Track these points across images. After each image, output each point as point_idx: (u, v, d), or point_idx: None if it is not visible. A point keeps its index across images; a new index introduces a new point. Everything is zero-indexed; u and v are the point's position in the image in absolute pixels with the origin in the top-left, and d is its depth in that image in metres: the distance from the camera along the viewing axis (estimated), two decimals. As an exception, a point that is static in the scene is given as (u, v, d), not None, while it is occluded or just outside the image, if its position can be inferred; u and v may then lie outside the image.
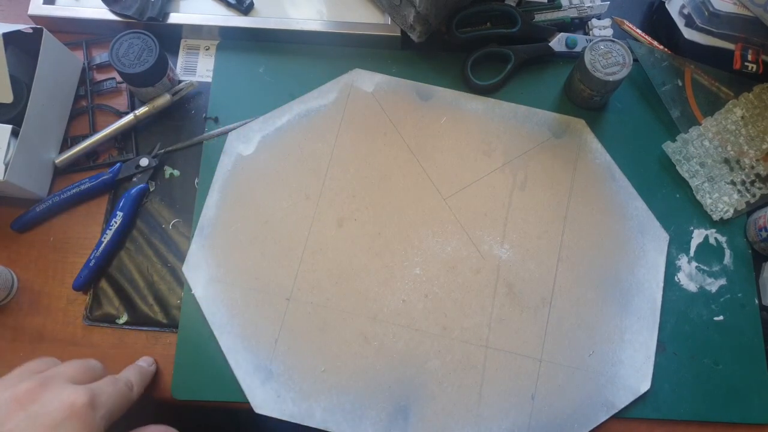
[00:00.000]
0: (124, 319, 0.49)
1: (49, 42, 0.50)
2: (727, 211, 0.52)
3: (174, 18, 0.56)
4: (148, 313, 0.49)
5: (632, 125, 0.55)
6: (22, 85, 0.49)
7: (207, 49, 0.57)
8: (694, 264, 0.51)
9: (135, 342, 0.49)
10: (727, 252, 0.52)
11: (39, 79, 0.49)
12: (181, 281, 0.50)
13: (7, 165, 0.46)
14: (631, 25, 0.58)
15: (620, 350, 0.48)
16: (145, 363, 0.46)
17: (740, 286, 0.51)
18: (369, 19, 0.56)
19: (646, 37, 0.57)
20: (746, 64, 0.54)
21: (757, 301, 0.50)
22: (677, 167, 0.53)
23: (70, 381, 0.36)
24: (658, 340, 0.48)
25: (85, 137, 0.53)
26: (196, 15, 0.56)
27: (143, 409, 0.48)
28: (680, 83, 0.56)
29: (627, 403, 0.47)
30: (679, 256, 0.52)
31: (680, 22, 0.56)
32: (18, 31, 0.49)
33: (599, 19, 0.58)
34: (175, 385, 0.47)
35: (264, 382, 0.46)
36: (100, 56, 0.56)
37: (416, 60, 0.57)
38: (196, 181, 0.53)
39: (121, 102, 0.55)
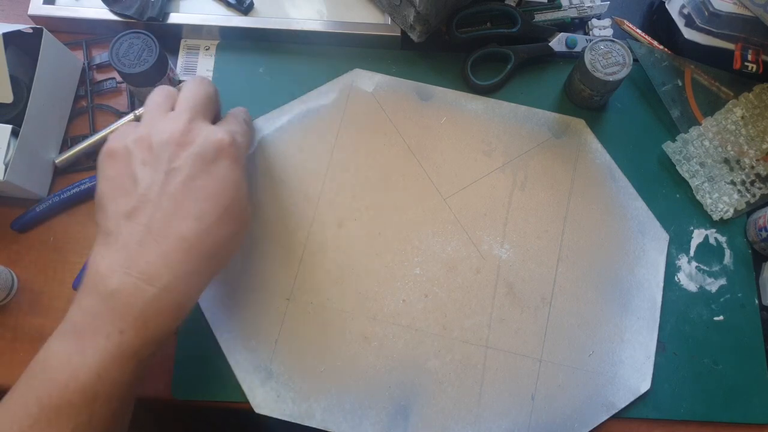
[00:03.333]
0: (124, 319, 0.49)
1: (49, 42, 0.50)
2: (727, 211, 0.52)
3: (174, 18, 0.56)
4: (148, 313, 0.49)
5: (632, 125, 0.55)
6: (22, 85, 0.49)
7: (207, 49, 0.57)
8: (694, 264, 0.51)
9: (135, 342, 0.48)
10: (727, 252, 0.52)
11: (39, 79, 0.49)
12: (181, 281, 0.50)
13: (7, 165, 0.46)
14: (631, 25, 0.58)
15: (620, 350, 0.48)
16: (240, 112, 0.47)
17: (740, 286, 0.51)
18: (369, 19, 0.56)
19: (646, 37, 0.57)
20: (746, 64, 0.54)
21: (757, 301, 0.50)
22: (677, 167, 0.53)
23: (203, 116, 0.41)
24: (658, 340, 0.48)
25: (85, 137, 0.53)
26: (196, 15, 0.56)
27: (143, 408, 0.48)
28: (680, 83, 0.56)
29: (627, 403, 0.47)
30: (679, 256, 0.52)
31: (680, 22, 0.56)
32: (18, 31, 0.49)
33: (599, 19, 0.58)
34: (175, 385, 0.47)
35: (264, 382, 0.46)
36: (100, 56, 0.56)
37: (416, 60, 0.57)
38: (196, 181, 0.53)
39: (121, 102, 0.55)
